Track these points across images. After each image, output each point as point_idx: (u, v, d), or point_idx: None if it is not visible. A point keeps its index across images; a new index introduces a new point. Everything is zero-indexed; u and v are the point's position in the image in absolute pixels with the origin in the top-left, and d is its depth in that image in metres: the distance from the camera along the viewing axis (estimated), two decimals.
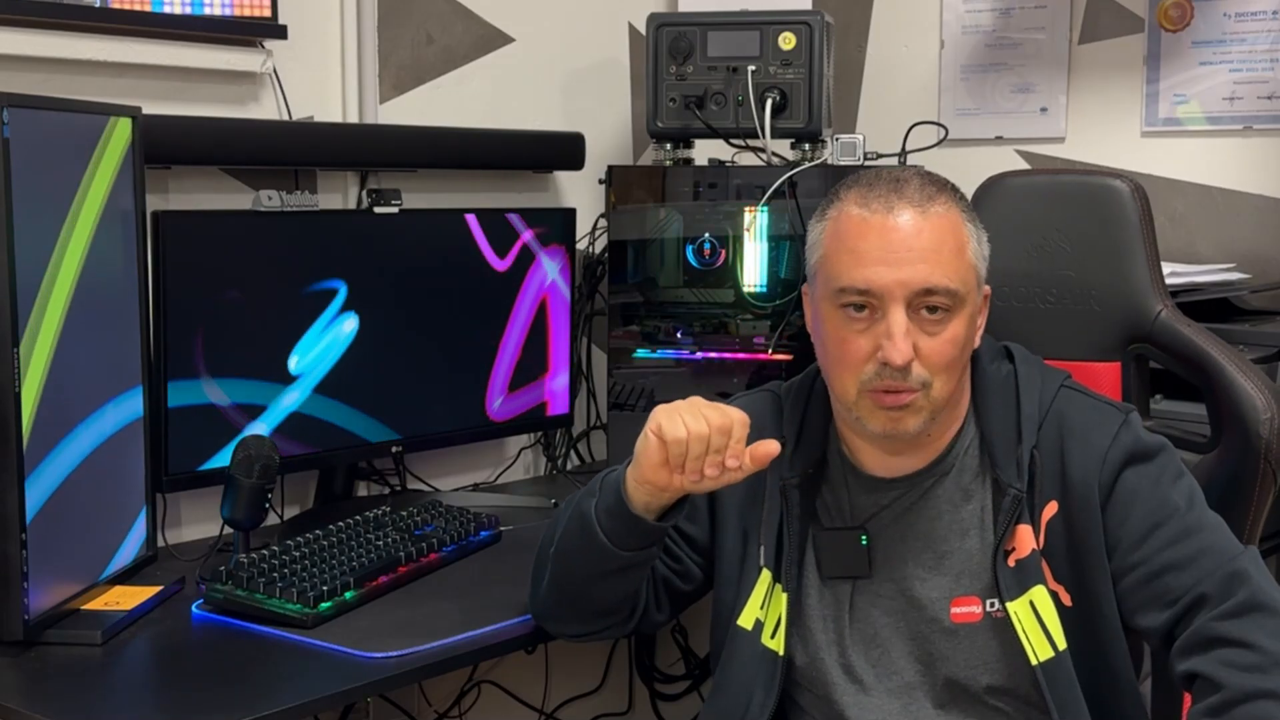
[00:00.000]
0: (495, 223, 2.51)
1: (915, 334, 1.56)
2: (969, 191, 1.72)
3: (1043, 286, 1.93)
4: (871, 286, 1.56)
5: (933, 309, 1.57)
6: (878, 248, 1.56)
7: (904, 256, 1.56)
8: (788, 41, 2.48)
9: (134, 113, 1.96)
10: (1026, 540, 1.60)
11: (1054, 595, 1.60)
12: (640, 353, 2.58)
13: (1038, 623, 1.59)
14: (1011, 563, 1.60)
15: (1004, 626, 1.60)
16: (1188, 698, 1.53)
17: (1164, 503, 1.58)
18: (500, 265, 2.51)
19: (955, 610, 1.62)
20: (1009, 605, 1.59)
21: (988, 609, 1.61)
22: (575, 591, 1.71)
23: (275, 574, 1.87)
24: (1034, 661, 1.58)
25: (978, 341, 1.66)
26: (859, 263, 1.57)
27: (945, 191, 1.62)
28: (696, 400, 1.57)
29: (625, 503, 1.60)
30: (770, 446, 1.55)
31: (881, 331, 1.56)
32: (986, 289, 1.66)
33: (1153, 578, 1.55)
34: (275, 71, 2.35)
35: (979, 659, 1.62)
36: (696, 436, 1.53)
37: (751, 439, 1.57)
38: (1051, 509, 1.61)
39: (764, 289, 2.51)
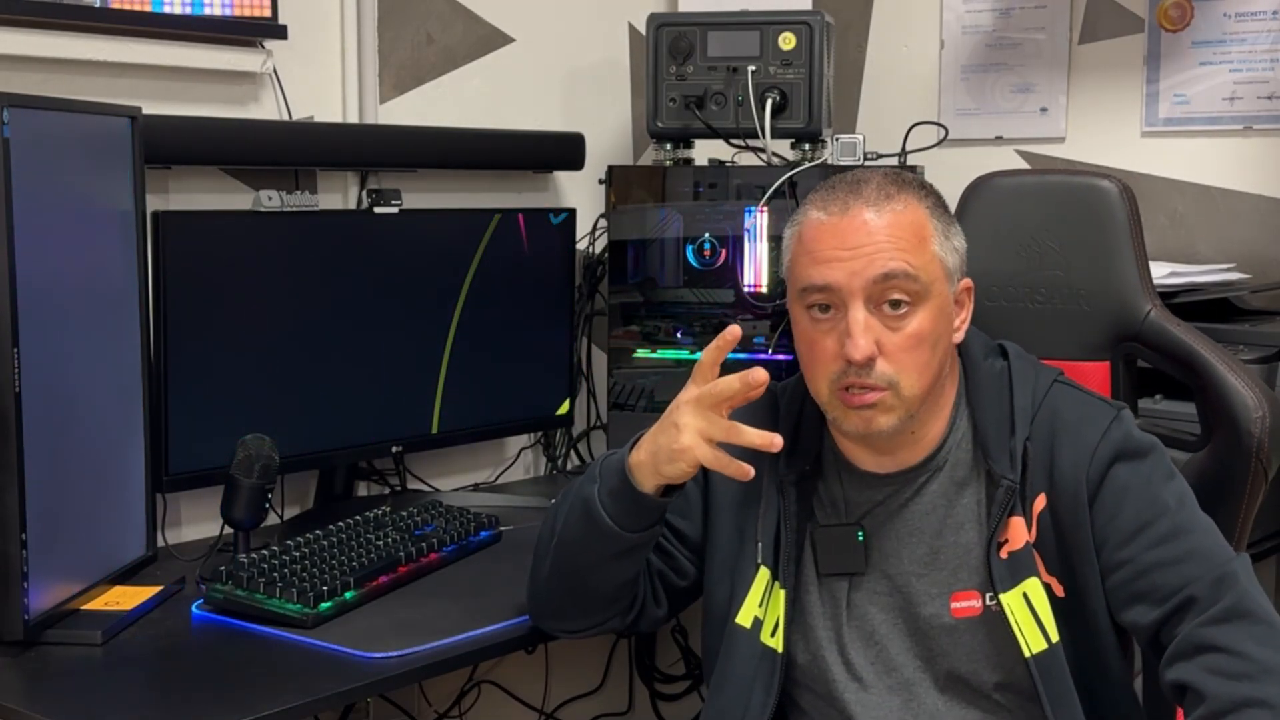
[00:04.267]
0: (495, 223, 2.51)
1: (878, 330, 1.57)
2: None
3: (1031, 286, 1.94)
4: (829, 283, 1.57)
5: (895, 304, 1.57)
6: (831, 246, 1.58)
7: (857, 252, 1.57)
8: (788, 41, 2.48)
9: (134, 113, 1.96)
10: (1019, 532, 1.61)
11: (1047, 587, 1.60)
12: (640, 353, 2.58)
13: (1031, 615, 1.59)
14: (1004, 554, 1.61)
15: (999, 619, 1.61)
16: None
17: (1154, 501, 1.58)
18: (500, 265, 2.51)
19: (956, 605, 1.63)
20: (1002, 597, 1.60)
21: (987, 603, 1.62)
22: (578, 581, 1.71)
23: (275, 574, 1.87)
24: (1027, 654, 1.59)
25: (959, 337, 1.66)
26: (814, 262, 1.59)
27: (908, 190, 1.62)
28: (675, 411, 1.58)
29: (632, 485, 1.61)
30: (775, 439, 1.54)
31: (844, 329, 1.57)
32: (967, 282, 1.66)
33: (1139, 576, 1.56)
34: (275, 71, 2.35)
35: (979, 653, 1.62)
36: (721, 432, 1.54)
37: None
38: (1041, 502, 1.62)
39: (764, 289, 2.51)
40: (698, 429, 1.55)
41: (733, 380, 1.53)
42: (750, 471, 1.54)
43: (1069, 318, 1.92)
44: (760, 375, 1.52)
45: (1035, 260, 1.93)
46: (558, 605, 1.77)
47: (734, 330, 1.54)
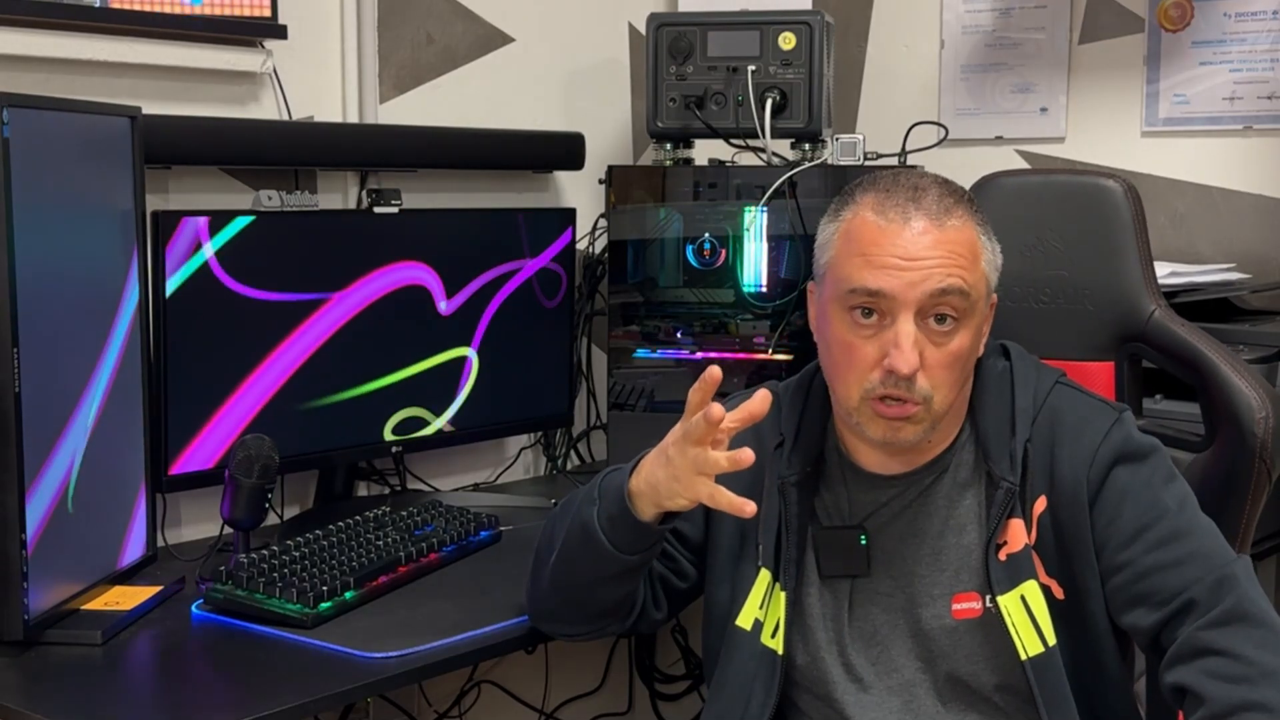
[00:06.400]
0: (495, 223, 2.51)
1: (922, 344, 1.55)
2: None
3: (1036, 286, 1.93)
4: (883, 289, 1.55)
5: (941, 318, 1.56)
6: (891, 254, 1.56)
7: (916, 264, 1.55)
8: (788, 41, 2.48)
9: (134, 113, 1.96)
10: (1019, 534, 1.61)
11: (1046, 589, 1.60)
12: (640, 353, 2.58)
13: (1028, 617, 1.59)
14: (1003, 556, 1.60)
15: (997, 621, 1.60)
16: None
17: (1154, 503, 1.58)
18: (500, 266, 2.51)
19: (957, 607, 1.62)
20: (1000, 599, 1.59)
21: (987, 604, 1.62)
22: (578, 594, 1.71)
23: (275, 574, 1.88)
24: (1023, 656, 1.58)
25: (980, 351, 1.66)
26: (870, 265, 1.56)
27: (962, 203, 1.62)
28: (669, 448, 1.55)
29: (631, 512, 1.60)
30: (745, 455, 1.51)
31: (889, 339, 1.55)
32: (994, 298, 1.66)
33: (1140, 578, 1.55)
34: (275, 71, 2.35)
35: (978, 655, 1.62)
36: (708, 465, 1.52)
37: (749, 438, 1.57)
38: (1041, 504, 1.61)
39: (764, 289, 2.51)
40: (688, 465, 1.53)
41: (700, 419, 1.50)
42: (751, 508, 1.51)
43: (1074, 318, 1.91)
44: (715, 412, 1.49)
45: (1040, 260, 1.93)
46: (557, 613, 1.77)
47: (714, 372, 1.51)
